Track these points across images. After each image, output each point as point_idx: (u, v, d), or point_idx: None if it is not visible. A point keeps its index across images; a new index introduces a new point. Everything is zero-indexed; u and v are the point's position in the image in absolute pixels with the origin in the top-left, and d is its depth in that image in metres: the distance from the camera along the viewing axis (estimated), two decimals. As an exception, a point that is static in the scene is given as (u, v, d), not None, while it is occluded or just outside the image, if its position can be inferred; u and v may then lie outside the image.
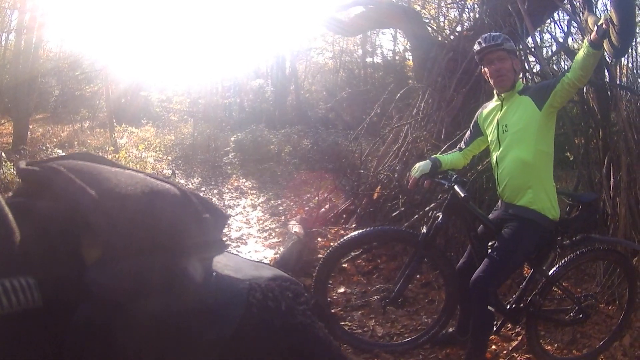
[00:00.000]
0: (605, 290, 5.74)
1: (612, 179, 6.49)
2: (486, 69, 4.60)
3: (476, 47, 4.62)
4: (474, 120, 5.04)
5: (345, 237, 5.36)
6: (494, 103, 4.79)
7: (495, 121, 4.65)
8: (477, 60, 4.74)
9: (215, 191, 15.62)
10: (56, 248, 1.00)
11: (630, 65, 9.41)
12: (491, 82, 4.61)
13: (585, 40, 4.04)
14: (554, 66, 9.10)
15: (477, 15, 10.27)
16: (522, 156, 4.40)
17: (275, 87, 27.15)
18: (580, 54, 4.08)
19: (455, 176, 4.78)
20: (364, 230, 5.30)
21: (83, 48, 24.01)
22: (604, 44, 3.97)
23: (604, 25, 3.85)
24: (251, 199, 14.57)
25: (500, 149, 4.57)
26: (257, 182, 16.70)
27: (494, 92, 4.73)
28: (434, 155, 5.22)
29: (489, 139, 4.78)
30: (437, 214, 4.80)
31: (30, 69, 18.46)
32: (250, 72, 29.19)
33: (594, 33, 3.91)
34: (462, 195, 4.45)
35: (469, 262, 4.83)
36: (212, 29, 27.58)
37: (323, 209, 10.42)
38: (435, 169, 4.91)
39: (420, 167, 4.94)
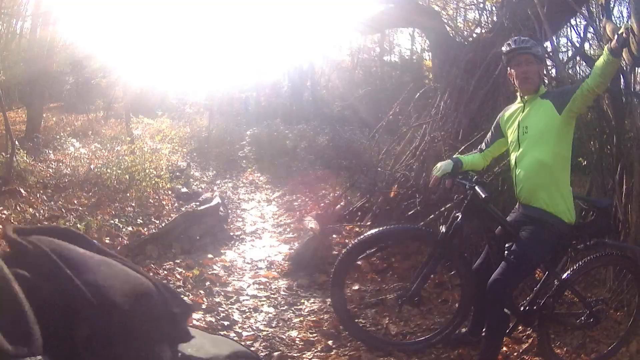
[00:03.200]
0: (615, 296, 5.77)
1: (624, 186, 6.51)
2: (513, 71, 4.65)
3: (505, 48, 4.67)
4: (495, 122, 5.09)
5: (364, 235, 5.43)
6: (516, 105, 4.84)
7: (516, 123, 4.70)
8: (504, 61, 4.79)
9: (229, 185, 15.72)
10: (56, 326, 1.08)
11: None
12: (516, 83, 4.66)
13: (605, 48, 4.10)
14: (570, 70, 9.11)
15: (496, 18, 10.30)
16: (541, 157, 4.45)
17: (292, 83, 27.14)
18: (600, 61, 4.15)
19: (476, 177, 4.84)
20: (383, 228, 5.36)
21: (100, 37, 24.03)
22: (624, 53, 4.02)
23: (624, 34, 3.90)
24: (266, 194, 14.66)
25: (520, 150, 4.62)
26: (272, 176, 16.75)
27: (517, 94, 4.79)
28: (455, 156, 5.27)
29: (509, 139, 4.82)
30: (457, 214, 4.84)
31: (46, 58, 18.54)
32: (267, 68, 29.17)
33: (614, 41, 3.96)
34: (484, 196, 4.50)
35: (485, 263, 4.88)
36: (232, 26, 27.52)
37: (338, 206, 10.46)
38: (457, 169, 4.97)
39: (442, 166, 5.01)
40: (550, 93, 4.66)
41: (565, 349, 5.20)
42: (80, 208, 9.62)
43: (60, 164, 12.99)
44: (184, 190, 12.50)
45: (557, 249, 4.65)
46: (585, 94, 4.29)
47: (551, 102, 4.47)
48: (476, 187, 4.63)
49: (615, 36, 3.98)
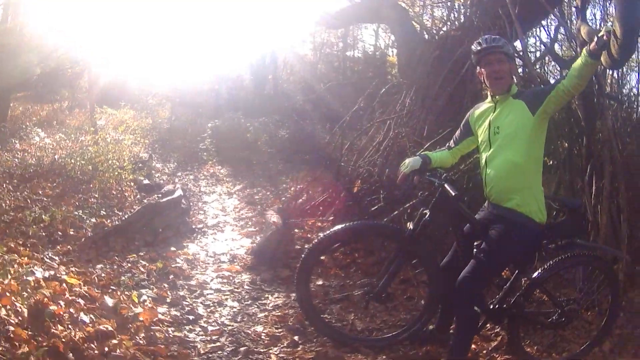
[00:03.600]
0: (585, 296, 5.78)
1: (593, 187, 6.53)
2: (483, 70, 4.59)
3: (475, 47, 4.61)
4: (464, 120, 5.04)
5: (330, 230, 5.36)
6: (486, 104, 4.78)
7: (487, 122, 4.65)
8: (473, 60, 4.73)
9: (191, 177, 15.58)
10: None
11: (615, 75, 9.52)
12: (487, 82, 4.60)
13: (584, 50, 4.06)
14: (539, 70, 9.15)
15: (465, 16, 10.31)
16: (514, 159, 4.40)
17: (254, 76, 27.05)
18: (578, 62, 4.11)
19: (445, 174, 4.80)
20: (348, 223, 5.29)
21: (67, 28, 23.75)
22: (602, 55, 4.00)
23: (604, 37, 3.87)
24: (227, 187, 14.54)
25: (491, 150, 4.57)
26: (233, 169, 16.64)
27: (488, 93, 4.74)
28: (423, 152, 5.22)
29: (480, 139, 4.78)
30: (424, 211, 4.79)
31: (15, 47, 18.23)
32: (229, 59, 29.03)
33: (593, 43, 3.94)
34: (453, 194, 4.48)
35: (453, 261, 4.86)
36: (195, 17, 27.36)
37: (300, 200, 10.40)
38: (425, 165, 4.90)
39: (410, 163, 4.94)
40: (523, 93, 4.61)
41: (535, 348, 5.22)
42: (45, 199, 9.45)
43: (26, 154, 12.77)
44: (146, 182, 12.35)
45: (528, 248, 4.61)
46: (561, 95, 4.26)
47: (524, 102, 4.43)
48: (445, 185, 4.62)
49: (595, 38, 3.94)
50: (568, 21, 8.66)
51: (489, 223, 4.60)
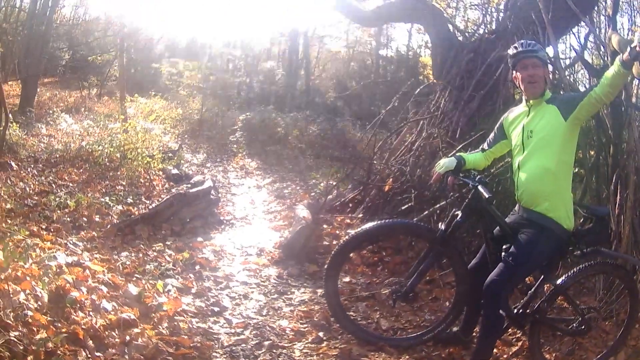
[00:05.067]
0: (604, 305, 5.79)
1: (618, 196, 6.53)
2: (518, 74, 4.62)
3: (512, 50, 4.66)
4: (498, 123, 5.07)
5: (362, 227, 5.43)
6: (521, 109, 4.82)
7: (521, 126, 4.69)
8: (509, 63, 4.77)
9: (220, 168, 15.68)
10: None
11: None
12: (522, 87, 4.64)
13: (617, 59, 4.09)
14: (570, 77, 9.13)
15: (499, 20, 10.31)
16: (545, 164, 4.44)
17: (286, 71, 27.12)
18: (610, 71, 4.14)
19: (479, 176, 4.83)
20: (380, 222, 5.40)
21: (98, 17, 23.95)
22: (634, 65, 4.03)
23: (637, 48, 3.90)
24: (256, 180, 14.64)
25: (524, 154, 4.61)
26: (262, 163, 16.73)
27: (523, 97, 4.77)
28: (458, 154, 5.26)
29: (513, 143, 4.81)
30: (456, 212, 4.85)
31: (44, 32, 18.43)
32: (262, 52, 29.10)
33: (626, 54, 3.96)
34: (487, 196, 4.52)
35: (482, 263, 4.89)
36: (229, 8, 27.39)
37: (330, 196, 10.45)
38: (459, 166, 4.97)
39: (444, 163, 5.01)
40: (556, 98, 4.65)
41: (554, 355, 5.20)
42: (71, 184, 9.57)
43: (52, 139, 12.93)
44: (175, 171, 12.43)
45: (554, 254, 4.65)
46: (593, 103, 4.30)
47: (557, 107, 4.46)
48: (479, 187, 4.64)
49: (628, 49, 3.97)
50: (597, 29, 8.61)
51: (518, 227, 4.63)
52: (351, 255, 6.71)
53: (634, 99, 7.92)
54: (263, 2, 25.17)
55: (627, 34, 11.22)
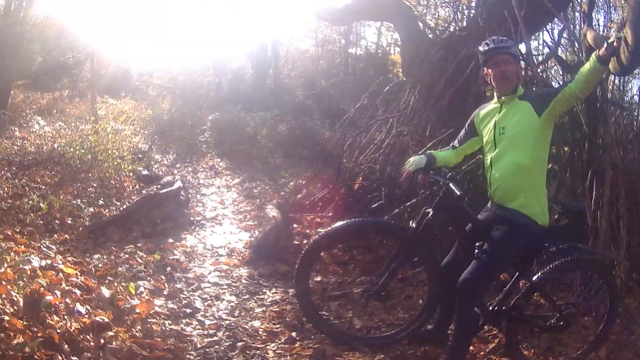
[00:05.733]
0: (583, 300, 5.78)
1: (594, 192, 6.53)
2: (490, 70, 4.60)
3: (483, 47, 4.62)
4: (469, 120, 5.05)
5: (333, 226, 5.40)
6: (492, 105, 4.79)
7: (492, 123, 4.65)
8: (481, 60, 4.74)
9: (189, 169, 15.57)
10: None
11: (617, 82, 9.53)
12: (493, 83, 4.60)
13: (593, 55, 4.08)
14: (544, 73, 9.15)
15: (471, 17, 10.32)
16: (519, 160, 4.41)
17: (255, 70, 27.08)
18: (586, 67, 4.12)
19: (450, 174, 4.82)
20: (352, 220, 5.35)
21: (69, 16, 23.74)
22: (611, 61, 4.00)
23: (615, 43, 3.87)
24: (226, 180, 14.56)
25: (496, 150, 4.58)
26: (231, 162, 16.65)
27: (494, 94, 4.74)
28: (429, 151, 5.22)
29: (485, 139, 4.78)
30: (427, 210, 4.80)
31: (17, 34, 18.20)
32: (230, 52, 29.05)
33: (603, 49, 3.94)
34: (458, 193, 4.49)
35: (454, 261, 4.86)
36: (197, 7, 27.34)
37: (299, 195, 10.39)
38: (430, 164, 4.92)
39: (415, 161, 4.96)
40: (529, 94, 4.64)
41: (533, 351, 5.21)
42: (43, 187, 9.41)
43: (25, 142, 12.76)
44: (145, 172, 12.29)
45: (529, 250, 4.62)
46: (567, 98, 4.29)
47: (530, 103, 4.44)
48: (450, 184, 4.63)
49: (605, 44, 3.94)
50: (571, 25, 8.62)
51: (491, 224, 4.61)
52: (322, 254, 6.66)
53: (609, 95, 7.93)
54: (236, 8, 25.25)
55: (603, 31, 11.26)
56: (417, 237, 4.86)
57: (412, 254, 5.14)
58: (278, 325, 5.55)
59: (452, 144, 5.23)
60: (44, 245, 6.66)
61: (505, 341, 5.00)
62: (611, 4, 11.85)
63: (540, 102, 4.41)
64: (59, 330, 4.14)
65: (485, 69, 4.70)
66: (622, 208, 6.35)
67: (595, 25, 9.46)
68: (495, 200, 4.65)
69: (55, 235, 7.29)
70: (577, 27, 9.05)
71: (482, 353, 5.14)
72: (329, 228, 5.47)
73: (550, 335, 5.23)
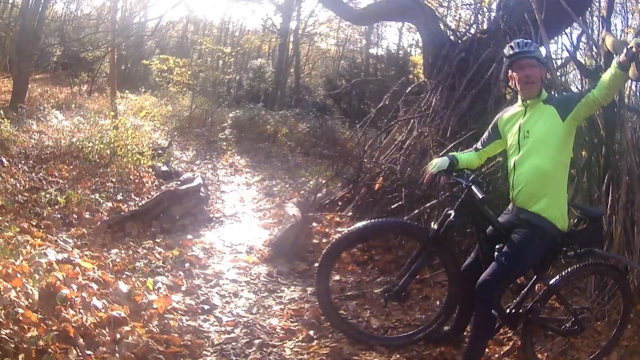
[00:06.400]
0: (597, 305, 5.79)
1: (610, 197, 6.53)
2: (514, 74, 4.59)
3: (508, 50, 4.63)
4: (492, 123, 5.05)
5: (354, 226, 5.43)
6: (517, 108, 4.79)
7: (517, 126, 4.66)
8: (505, 64, 4.73)
9: (209, 166, 15.67)
10: None
11: (634, 87, 9.50)
12: (518, 87, 4.60)
13: (614, 61, 4.08)
14: (562, 77, 9.14)
15: (492, 19, 10.32)
16: (542, 164, 4.43)
17: (276, 69, 27.10)
18: (608, 73, 4.13)
19: (472, 176, 4.81)
20: (372, 221, 5.38)
21: (90, 13, 23.90)
22: (630, 67, 4.01)
23: (633, 49, 3.88)
24: (245, 177, 14.64)
25: (520, 153, 4.58)
26: (251, 160, 16.73)
27: (519, 97, 4.75)
28: (451, 153, 5.23)
29: (509, 143, 4.79)
30: (449, 212, 4.83)
31: (36, 28, 18.33)
32: (252, 50, 29.11)
33: (622, 55, 3.94)
34: (480, 196, 4.50)
35: (475, 263, 4.87)
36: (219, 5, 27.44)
37: (319, 194, 10.43)
38: (452, 166, 4.94)
39: (437, 163, 4.97)
40: (553, 99, 4.65)
41: (546, 355, 5.20)
42: (61, 181, 9.49)
43: (43, 136, 12.84)
44: (164, 168, 12.37)
45: (547, 254, 4.64)
46: (591, 104, 4.30)
47: (555, 108, 4.44)
48: (472, 187, 4.62)
49: (624, 50, 3.96)
50: (590, 29, 8.62)
51: (512, 227, 4.62)
52: (342, 254, 6.70)
53: (626, 100, 7.91)
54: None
55: (620, 35, 11.23)
56: (438, 239, 4.87)
57: (432, 255, 5.15)
58: (296, 324, 5.59)
59: (474, 146, 5.22)
60: (61, 239, 6.72)
61: (520, 344, 5.02)
62: (628, 9, 11.82)
63: (564, 106, 4.42)
64: (74, 324, 4.17)
65: (510, 72, 4.72)
66: (637, 213, 6.34)
67: (612, 30, 9.45)
68: (517, 203, 4.66)
69: (73, 229, 7.35)
70: (596, 31, 9.03)
71: (496, 355, 5.14)
72: (351, 227, 5.50)
73: (564, 339, 5.23)
